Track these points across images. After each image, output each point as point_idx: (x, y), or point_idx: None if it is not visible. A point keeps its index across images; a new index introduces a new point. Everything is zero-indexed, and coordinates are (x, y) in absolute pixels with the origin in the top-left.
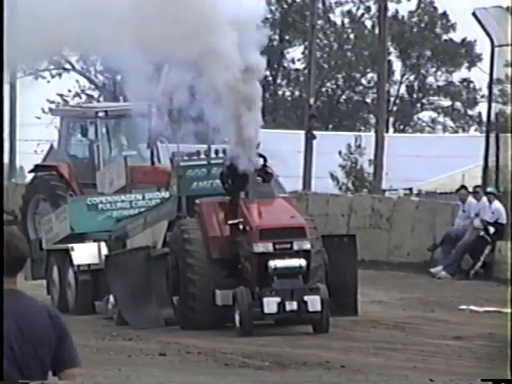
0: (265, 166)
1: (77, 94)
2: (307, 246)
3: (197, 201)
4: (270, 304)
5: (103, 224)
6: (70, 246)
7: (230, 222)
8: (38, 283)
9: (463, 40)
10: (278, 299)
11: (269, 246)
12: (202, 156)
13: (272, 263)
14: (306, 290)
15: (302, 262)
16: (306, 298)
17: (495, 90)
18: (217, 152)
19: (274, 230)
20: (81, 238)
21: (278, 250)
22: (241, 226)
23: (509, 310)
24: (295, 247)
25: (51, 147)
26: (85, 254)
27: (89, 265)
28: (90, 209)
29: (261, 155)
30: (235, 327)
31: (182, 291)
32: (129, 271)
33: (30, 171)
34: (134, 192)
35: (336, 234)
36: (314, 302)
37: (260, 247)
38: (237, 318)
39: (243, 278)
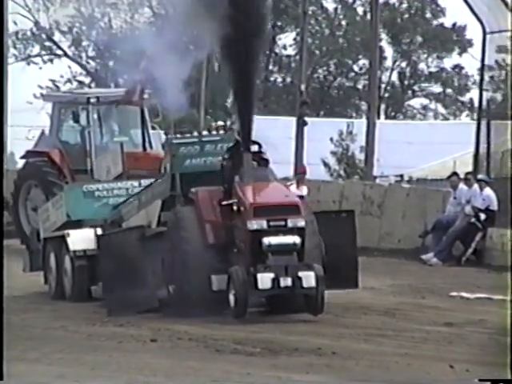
0: (260, 152)
1: (68, 80)
2: (301, 223)
3: (192, 189)
4: (264, 280)
5: (100, 211)
6: (65, 232)
7: (224, 202)
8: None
9: (454, 25)
10: (272, 275)
11: (263, 224)
12: (195, 133)
13: (266, 240)
14: (301, 266)
15: (297, 239)
16: (300, 273)
17: (486, 77)
18: (209, 129)
19: (268, 207)
20: (77, 225)
21: (272, 227)
22: (235, 207)
23: (508, 298)
24: (289, 224)
25: (42, 133)
26: (80, 239)
27: (85, 250)
28: (86, 196)
29: (255, 142)
30: (230, 309)
31: (177, 277)
32: (122, 252)
33: (22, 157)
34: (130, 179)
35: (334, 210)
36: (308, 278)
37: (254, 224)
38: (231, 298)
39: (238, 258)
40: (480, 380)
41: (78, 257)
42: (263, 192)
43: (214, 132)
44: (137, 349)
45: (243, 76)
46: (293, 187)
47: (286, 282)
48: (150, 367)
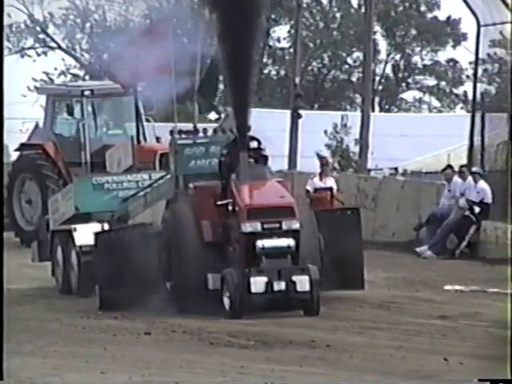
0: (259, 149)
1: (62, 73)
2: (296, 225)
3: (190, 185)
4: (258, 283)
5: (109, 204)
6: (72, 226)
7: (219, 202)
8: (43, 265)
9: (448, 18)
10: (266, 279)
11: (257, 226)
12: (201, 134)
13: (260, 243)
14: (295, 269)
15: (291, 241)
16: (294, 277)
17: (480, 70)
18: (215, 131)
19: (262, 209)
20: (86, 218)
21: (267, 229)
22: (230, 207)
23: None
24: (284, 227)
25: (36, 126)
26: (87, 234)
27: (91, 245)
28: (95, 188)
29: (255, 138)
30: (224, 311)
31: (173, 275)
32: (121, 249)
33: (16, 150)
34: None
35: (339, 208)
36: (302, 282)
37: (248, 227)
38: (225, 300)
39: (233, 259)
40: (480, 380)
41: (84, 252)
42: (258, 193)
43: (220, 133)
44: (131, 342)
45: (240, 72)
46: (316, 179)
47: (279, 286)
48: (144, 360)
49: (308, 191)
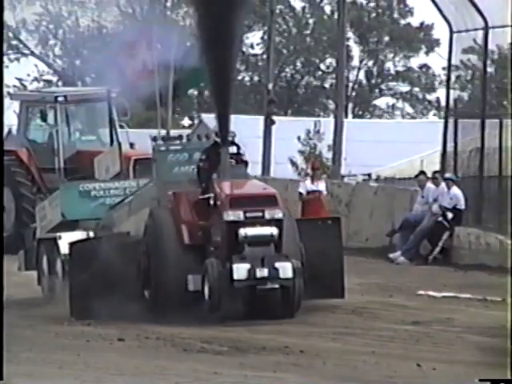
0: (239, 153)
1: (35, 79)
2: (279, 214)
3: (169, 192)
4: (240, 270)
5: (96, 211)
6: (57, 234)
7: (200, 197)
8: (19, 272)
9: (421, 24)
10: (248, 265)
11: (239, 215)
12: (184, 140)
13: (243, 231)
14: (278, 256)
15: (274, 230)
16: (277, 264)
17: (453, 76)
18: (199, 137)
19: (245, 198)
20: (73, 225)
21: (249, 218)
22: (211, 201)
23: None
24: (267, 216)
25: (9, 132)
26: None
27: None
28: (82, 195)
29: (234, 143)
30: (204, 303)
31: (153, 279)
32: (96, 259)
33: None
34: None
35: (320, 218)
36: (285, 269)
37: (230, 216)
38: (206, 290)
39: (215, 254)
40: (480, 380)
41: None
42: (240, 185)
43: (195, 139)
44: (104, 348)
45: (221, 73)
46: (307, 182)
47: (262, 272)
48: (117, 366)
49: (301, 193)
